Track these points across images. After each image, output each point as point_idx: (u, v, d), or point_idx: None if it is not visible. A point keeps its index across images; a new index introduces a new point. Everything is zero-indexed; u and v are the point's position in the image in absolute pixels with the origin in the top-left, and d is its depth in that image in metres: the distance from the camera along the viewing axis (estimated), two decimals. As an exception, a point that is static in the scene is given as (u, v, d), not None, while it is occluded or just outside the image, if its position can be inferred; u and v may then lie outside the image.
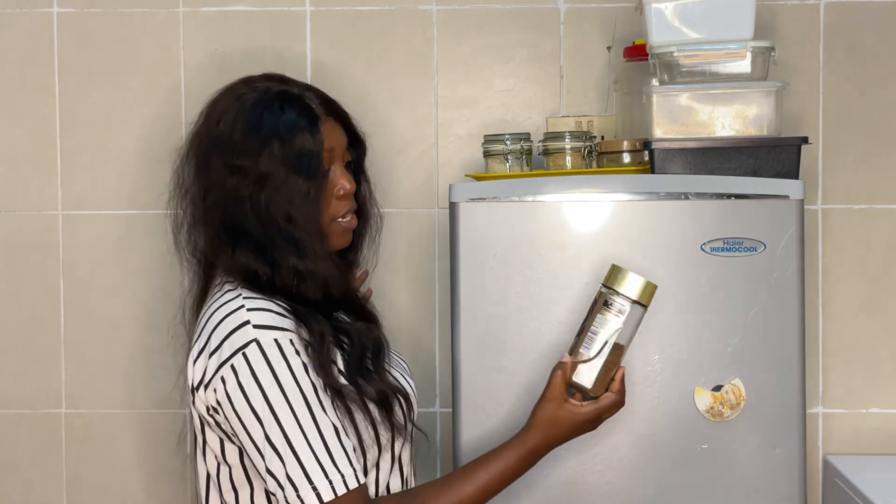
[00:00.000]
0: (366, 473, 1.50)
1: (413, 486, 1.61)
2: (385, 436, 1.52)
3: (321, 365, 1.46)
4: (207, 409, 1.48)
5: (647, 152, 1.83)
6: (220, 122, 1.53)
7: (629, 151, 1.95)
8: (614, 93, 2.14)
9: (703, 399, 1.71)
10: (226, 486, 1.52)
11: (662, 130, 1.84)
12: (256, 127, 1.50)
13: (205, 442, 1.53)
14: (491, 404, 1.72)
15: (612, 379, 1.53)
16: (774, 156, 1.80)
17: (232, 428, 1.45)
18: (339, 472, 1.40)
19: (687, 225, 1.71)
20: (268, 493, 1.49)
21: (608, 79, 2.16)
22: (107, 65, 2.18)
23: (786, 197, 1.72)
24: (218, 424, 1.48)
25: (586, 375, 1.51)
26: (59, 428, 2.21)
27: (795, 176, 1.79)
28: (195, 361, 1.48)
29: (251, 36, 2.17)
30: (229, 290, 1.51)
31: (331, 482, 1.40)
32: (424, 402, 1.74)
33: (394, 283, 2.16)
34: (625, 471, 1.72)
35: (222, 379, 1.43)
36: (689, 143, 1.80)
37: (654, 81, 1.88)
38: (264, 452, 1.41)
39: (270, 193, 1.48)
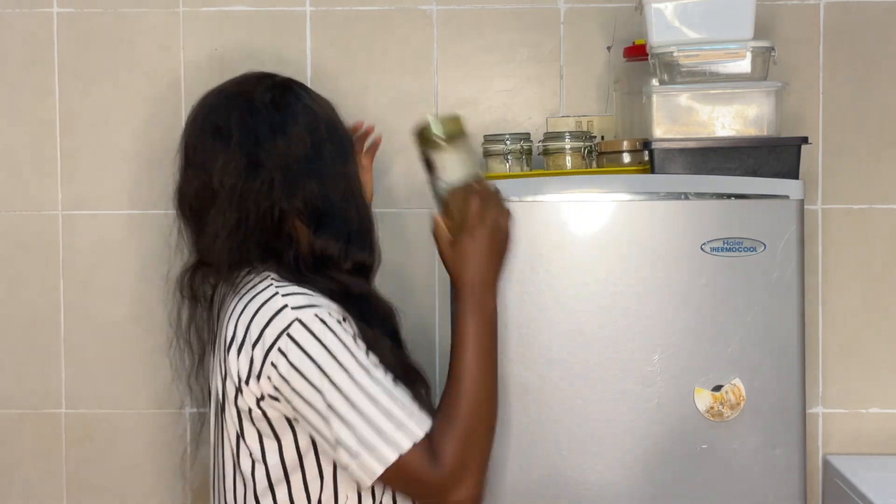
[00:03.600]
0: None
1: None
2: None
3: (373, 341, 1.48)
4: (259, 400, 1.46)
5: (647, 152, 1.83)
6: (260, 111, 1.55)
7: (629, 151, 1.95)
8: (614, 93, 2.14)
9: (703, 399, 1.71)
10: (261, 485, 1.51)
11: (662, 130, 1.84)
12: (303, 104, 1.56)
13: (239, 443, 1.51)
14: (491, 404, 1.72)
15: None
16: (774, 156, 1.80)
17: (295, 409, 1.44)
18: (410, 421, 1.42)
19: (687, 225, 1.72)
20: (306, 486, 1.49)
21: (608, 79, 2.16)
22: (107, 65, 2.18)
23: (786, 197, 1.72)
24: (265, 416, 1.46)
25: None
26: (59, 428, 2.21)
27: (795, 176, 1.79)
28: (238, 356, 1.47)
29: (251, 36, 2.17)
30: (258, 282, 1.51)
31: (406, 433, 1.41)
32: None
33: (393, 283, 2.16)
34: (625, 471, 1.72)
35: (273, 364, 1.43)
36: (689, 143, 1.80)
37: (654, 81, 1.88)
38: (331, 422, 1.41)
39: (339, 158, 1.55)
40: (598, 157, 1.95)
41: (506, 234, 1.52)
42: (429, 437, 1.42)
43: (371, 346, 1.47)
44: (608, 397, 1.72)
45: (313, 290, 1.49)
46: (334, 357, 1.42)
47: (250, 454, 1.51)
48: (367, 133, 1.75)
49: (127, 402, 2.20)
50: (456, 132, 1.53)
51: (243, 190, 1.51)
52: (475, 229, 1.50)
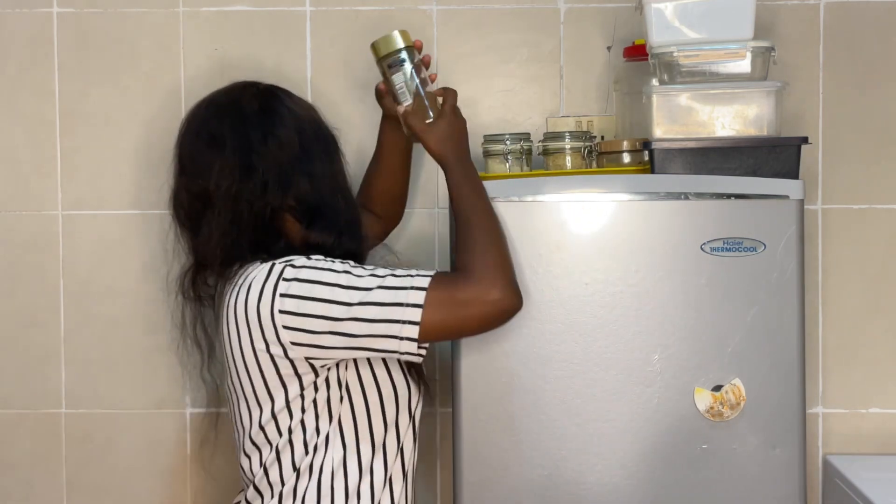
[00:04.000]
0: (386, 429, 1.66)
1: (416, 450, 1.73)
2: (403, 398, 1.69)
3: None
4: (286, 355, 1.57)
5: (647, 152, 1.83)
6: (250, 119, 1.67)
7: (629, 151, 1.95)
8: (614, 93, 2.14)
9: (703, 399, 1.71)
10: (299, 449, 1.64)
11: (662, 130, 1.84)
12: (290, 113, 1.70)
13: (273, 415, 1.63)
14: (490, 404, 1.72)
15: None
16: (774, 156, 1.80)
17: (318, 332, 1.55)
18: (418, 271, 1.59)
19: (687, 225, 1.72)
20: (341, 427, 1.62)
21: (608, 79, 2.16)
22: (107, 65, 2.18)
23: (786, 197, 1.72)
24: (294, 367, 1.58)
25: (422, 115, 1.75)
26: (59, 428, 2.21)
27: (795, 176, 1.79)
28: (248, 327, 1.58)
29: (251, 36, 2.17)
30: (249, 268, 1.62)
31: (420, 276, 1.58)
32: (424, 403, 1.75)
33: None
34: (625, 471, 1.72)
35: (281, 311, 1.55)
36: (689, 143, 1.80)
37: (654, 81, 1.88)
38: (355, 310, 1.54)
39: (332, 155, 1.70)
40: (598, 157, 1.95)
41: (463, 119, 1.76)
42: (445, 272, 1.62)
43: None
44: (608, 397, 1.72)
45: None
46: (332, 270, 1.56)
47: (289, 423, 1.63)
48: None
49: (127, 402, 2.20)
50: (407, 43, 1.77)
51: (238, 192, 1.63)
52: (450, 115, 1.73)
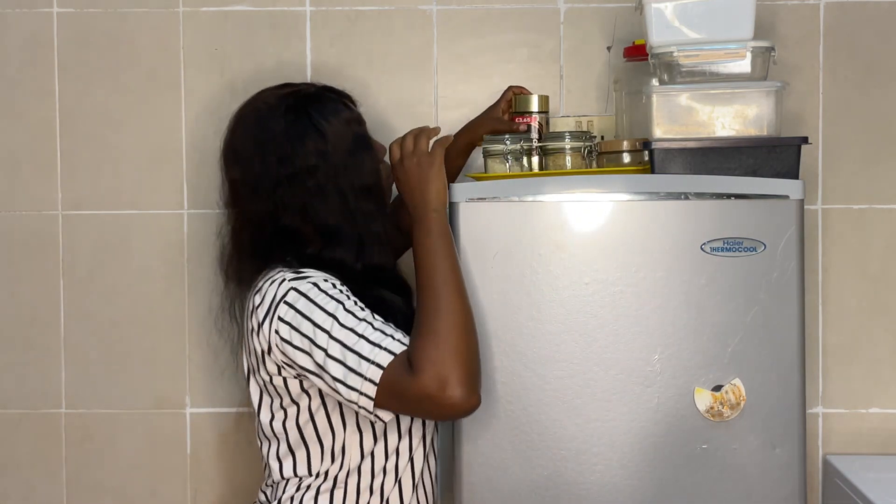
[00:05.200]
0: (396, 439, 1.67)
1: (433, 460, 1.76)
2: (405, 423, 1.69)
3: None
4: (279, 370, 1.62)
5: (647, 152, 1.83)
6: (273, 140, 1.67)
7: (629, 151, 1.94)
8: (614, 93, 2.14)
9: (703, 399, 1.71)
10: (283, 447, 1.68)
11: (662, 130, 1.84)
12: (311, 129, 1.67)
13: (260, 409, 1.68)
14: (490, 405, 1.72)
15: None
16: (774, 156, 1.80)
17: (300, 366, 1.57)
18: (386, 341, 1.54)
19: (687, 225, 1.72)
20: (323, 452, 1.64)
21: (608, 79, 2.16)
22: (107, 65, 2.18)
23: (786, 197, 1.72)
24: (285, 384, 1.63)
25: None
26: (59, 428, 2.21)
27: (795, 176, 1.79)
28: (257, 338, 1.62)
29: (251, 36, 2.17)
30: (272, 276, 1.64)
31: (384, 351, 1.53)
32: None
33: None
34: (625, 471, 1.72)
35: (276, 331, 1.58)
36: (689, 143, 1.80)
37: (654, 81, 1.88)
38: (327, 366, 1.53)
39: (350, 178, 1.66)
40: (598, 157, 1.95)
41: (419, 171, 1.67)
42: (407, 352, 1.52)
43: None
44: (608, 397, 1.72)
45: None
46: (319, 306, 1.56)
47: (271, 420, 1.67)
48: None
49: (127, 402, 2.20)
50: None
51: (252, 211, 1.67)
52: (421, 155, 1.67)
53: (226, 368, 2.16)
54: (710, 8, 1.83)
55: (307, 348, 1.55)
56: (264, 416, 1.68)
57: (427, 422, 1.71)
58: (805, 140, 1.81)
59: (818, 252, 2.16)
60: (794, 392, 1.72)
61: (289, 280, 1.59)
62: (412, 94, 2.17)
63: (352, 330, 1.54)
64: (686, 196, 1.72)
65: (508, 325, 1.72)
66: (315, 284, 1.58)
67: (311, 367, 1.56)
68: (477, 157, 2.11)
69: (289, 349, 1.57)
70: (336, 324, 1.54)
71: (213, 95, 2.16)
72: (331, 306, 1.56)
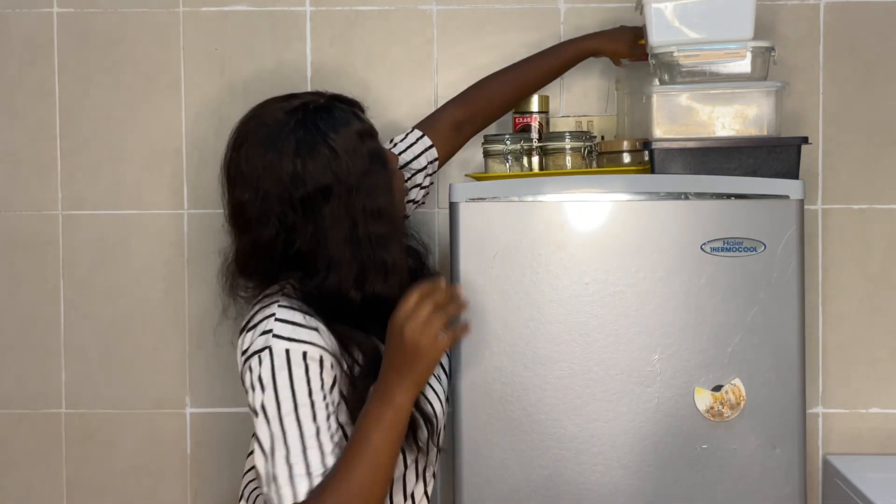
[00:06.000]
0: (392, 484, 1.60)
1: (431, 490, 1.73)
2: (410, 456, 1.63)
3: (352, 388, 1.56)
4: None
5: (647, 152, 1.83)
6: (282, 161, 1.56)
7: (629, 151, 1.95)
8: (615, 92, 2.14)
9: (703, 399, 1.71)
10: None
11: (662, 130, 1.84)
12: (324, 147, 1.56)
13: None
14: (491, 404, 1.72)
15: None
16: (774, 156, 1.80)
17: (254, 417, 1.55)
18: (306, 480, 1.48)
19: (687, 225, 1.71)
20: None
21: (608, 79, 2.16)
22: (107, 65, 2.18)
23: (786, 197, 1.72)
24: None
25: None
26: (59, 428, 2.21)
27: (795, 176, 1.79)
28: (238, 358, 1.59)
29: (251, 36, 2.17)
30: (269, 295, 1.60)
31: (294, 488, 1.48)
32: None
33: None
34: (625, 471, 1.72)
35: (244, 373, 1.55)
36: (689, 143, 1.80)
37: (655, 81, 1.88)
38: (253, 444, 1.52)
39: (364, 199, 1.56)
40: (598, 157, 1.95)
41: (415, 350, 1.49)
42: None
43: (346, 397, 1.55)
44: (608, 397, 1.72)
45: (314, 318, 1.55)
46: (276, 393, 1.50)
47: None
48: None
49: (127, 402, 2.20)
50: None
51: (254, 235, 1.58)
52: (395, 334, 1.50)
53: (226, 368, 2.16)
54: (710, 8, 1.83)
55: (254, 417, 1.52)
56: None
57: (420, 449, 1.63)
58: (805, 140, 1.81)
59: (818, 252, 2.16)
60: (794, 392, 1.72)
61: (273, 336, 1.52)
62: (412, 94, 2.17)
63: (284, 440, 1.49)
64: (686, 196, 1.72)
65: (508, 325, 1.72)
66: (287, 354, 1.51)
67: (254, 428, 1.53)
68: (477, 156, 2.11)
69: (248, 398, 1.54)
70: (277, 418, 1.49)
71: (213, 95, 2.16)
72: (284, 396, 1.50)
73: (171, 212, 2.18)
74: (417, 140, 1.92)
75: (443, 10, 2.16)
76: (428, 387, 1.67)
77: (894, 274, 2.16)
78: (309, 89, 2.14)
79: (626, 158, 1.95)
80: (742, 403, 1.71)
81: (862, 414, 2.17)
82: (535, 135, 1.98)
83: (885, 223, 2.16)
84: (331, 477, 1.49)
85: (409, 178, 1.90)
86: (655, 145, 1.80)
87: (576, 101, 2.16)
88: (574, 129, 2.03)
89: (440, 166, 1.98)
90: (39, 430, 2.21)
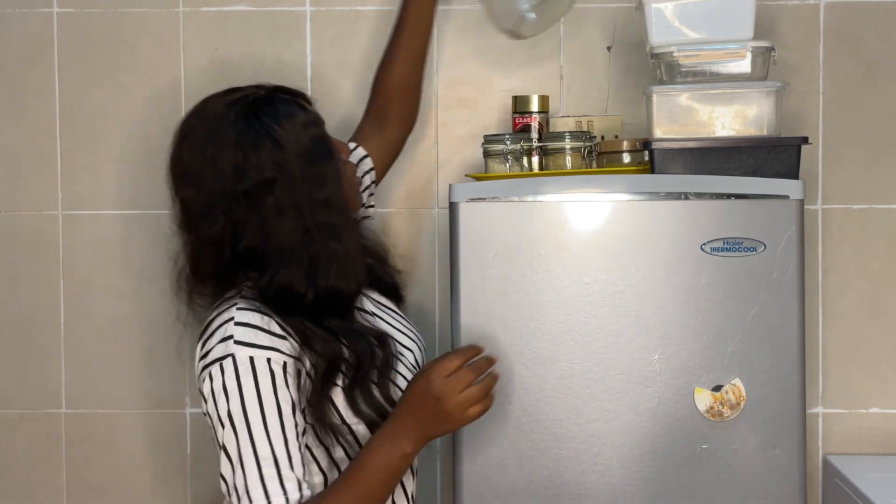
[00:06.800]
0: None
1: (413, 489, 1.67)
2: None
3: (315, 392, 1.52)
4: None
5: (647, 152, 1.83)
6: (223, 153, 1.52)
7: (629, 151, 1.95)
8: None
9: (703, 399, 1.71)
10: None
11: (662, 130, 1.84)
12: (265, 138, 1.52)
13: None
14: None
15: None
16: (774, 156, 1.80)
17: (211, 423, 1.51)
18: (279, 487, 1.45)
19: (687, 225, 1.71)
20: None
21: (608, 79, 2.15)
22: (107, 65, 2.18)
23: (786, 197, 1.72)
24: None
25: None
26: (59, 428, 2.21)
27: (795, 176, 1.79)
28: (196, 364, 1.55)
29: (251, 36, 2.17)
30: (228, 299, 1.56)
31: (267, 496, 1.44)
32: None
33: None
34: (625, 471, 1.72)
35: (202, 380, 1.51)
36: (689, 143, 1.80)
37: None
38: (221, 456, 1.48)
39: (309, 190, 1.52)
40: (598, 157, 1.95)
41: (444, 412, 1.48)
42: None
43: (318, 411, 1.51)
44: (608, 397, 1.72)
45: (273, 320, 1.51)
46: (242, 403, 1.46)
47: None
48: None
49: (127, 402, 2.20)
50: None
51: (200, 233, 1.54)
52: (425, 387, 1.48)
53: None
54: (710, 8, 1.83)
55: (216, 428, 1.49)
56: None
57: None
58: (805, 140, 1.81)
59: (818, 252, 2.16)
60: (794, 392, 1.72)
61: (234, 342, 1.48)
62: (412, 94, 2.17)
63: (254, 450, 1.45)
64: (686, 196, 1.72)
65: (508, 325, 1.72)
66: (251, 362, 1.47)
67: (216, 440, 1.49)
68: (477, 156, 2.11)
69: (207, 406, 1.50)
70: (245, 428, 1.46)
71: (213, 95, 2.16)
72: (251, 407, 1.46)
73: (171, 212, 2.18)
74: (352, 150, 1.85)
75: (442, 10, 2.16)
76: (397, 375, 1.62)
77: (894, 274, 2.16)
78: (309, 89, 2.15)
79: (626, 158, 1.95)
80: (742, 403, 1.71)
81: (862, 414, 2.17)
82: (535, 135, 1.98)
83: (885, 223, 2.16)
84: (320, 499, 1.47)
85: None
86: (655, 145, 1.80)
87: (576, 101, 2.16)
88: (574, 129, 2.03)
89: (381, 174, 1.93)
90: (39, 430, 2.21)
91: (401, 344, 1.67)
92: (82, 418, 2.21)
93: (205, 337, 1.54)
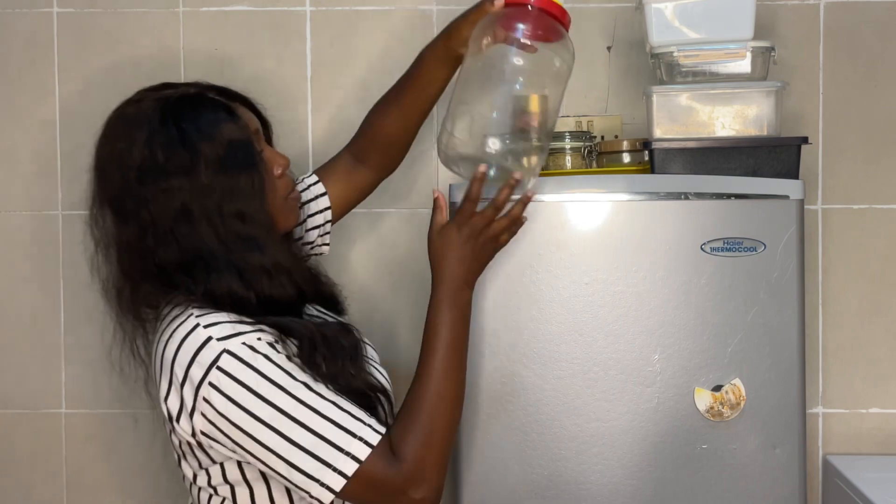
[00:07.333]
0: None
1: None
2: None
3: (307, 364, 1.42)
4: (194, 435, 1.41)
5: (647, 152, 1.83)
6: (131, 151, 1.43)
7: (629, 151, 1.95)
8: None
9: (703, 399, 1.71)
10: (204, 496, 1.49)
11: (662, 130, 1.84)
12: (177, 140, 1.41)
13: (181, 462, 1.50)
14: (490, 405, 1.72)
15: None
16: (774, 156, 1.80)
17: (236, 443, 1.37)
18: (363, 429, 1.37)
19: (687, 225, 1.72)
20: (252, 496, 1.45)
21: (608, 79, 2.15)
22: (107, 65, 2.18)
23: (786, 197, 1.72)
24: (201, 447, 1.43)
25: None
26: (59, 428, 2.21)
27: (795, 176, 1.79)
28: (166, 399, 1.43)
29: (251, 36, 2.17)
30: (178, 314, 1.43)
31: (361, 441, 1.36)
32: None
33: (393, 283, 2.16)
34: (625, 471, 1.72)
35: (205, 400, 1.36)
36: (689, 143, 1.80)
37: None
38: (280, 451, 1.35)
39: (219, 200, 1.40)
40: (598, 157, 1.95)
41: (494, 244, 1.52)
42: (388, 439, 1.39)
43: (312, 367, 1.41)
44: (608, 397, 1.72)
45: (236, 316, 1.41)
46: (272, 382, 1.35)
47: (192, 472, 1.48)
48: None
49: (127, 403, 2.20)
50: None
51: (119, 241, 1.45)
52: (464, 227, 1.50)
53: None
54: (710, 8, 1.83)
55: (254, 431, 1.35)
56: (186, 470, 1.49)
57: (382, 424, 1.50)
58: (805, 140, 1.81)
59: (818, 252, 2.16)
60: (794, 392, 1.72)
61: (217, 340, 1.36)
62: (412, 94, 2.16)
63: (315, 411, 1.35)
64: (686, 196, 1.72)
65: (508, 325, 1.72)
66: (248, 345, 1.36)
67: (255, 449, 1.36)
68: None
69: (225, 425, 1.36)
70: (292, 401, 1.35)
71: (213, 95, 2.16)
72: (280, 378, 1.36)
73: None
74: (312, 185, 1.76)
75: (443, 10, 2.16)
76: (367, 362, 1.54)
77: (894, 274, 2.16)
78: (309, 89, 2.15)
79: (626, 158, 1.95)
80: (742, 403, 1.71)
81: (862, 414, 2.17)
82: (534, 135, 1.97)
83: (885, 223, 2.16)
84: (412, 413, 1.41)
85: (303, 222, 1.74)
86: (655, 145, 1.80)
87: (576, 101, 2.16)
88: (574, 129, 2.03)
89: (341, 213, 1.80)
90: (39, 430, 2.21)
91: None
92: (82, 418, 2.21)
93: (167, 360, 1.40)
